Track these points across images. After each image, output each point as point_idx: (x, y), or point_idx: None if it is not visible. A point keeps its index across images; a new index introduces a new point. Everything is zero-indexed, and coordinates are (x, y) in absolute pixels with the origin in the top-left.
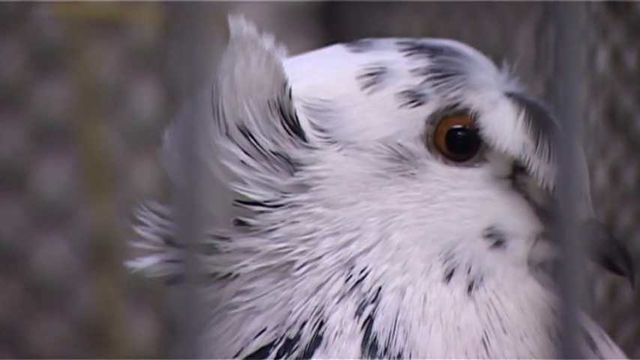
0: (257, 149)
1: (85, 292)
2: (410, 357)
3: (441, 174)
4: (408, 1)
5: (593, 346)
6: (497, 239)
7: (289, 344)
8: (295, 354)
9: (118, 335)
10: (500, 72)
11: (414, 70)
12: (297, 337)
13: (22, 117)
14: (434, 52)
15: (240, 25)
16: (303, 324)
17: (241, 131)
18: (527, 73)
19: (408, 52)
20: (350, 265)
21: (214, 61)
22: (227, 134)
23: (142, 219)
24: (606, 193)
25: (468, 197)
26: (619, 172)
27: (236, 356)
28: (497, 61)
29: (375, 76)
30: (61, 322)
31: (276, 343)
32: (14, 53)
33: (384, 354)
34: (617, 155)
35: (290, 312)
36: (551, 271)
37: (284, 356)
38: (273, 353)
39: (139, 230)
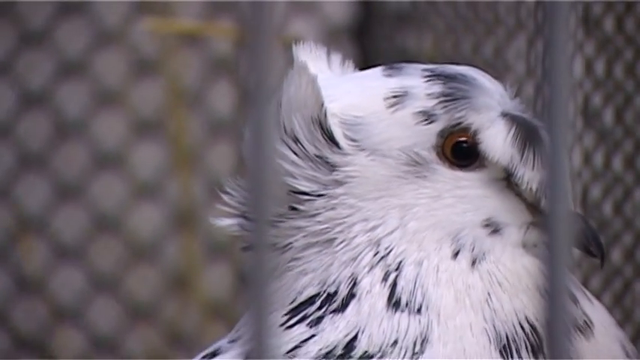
0: (304, 153)
1: (172, 249)
2: (429, 308)
3: (448, 176)
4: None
5: (575, 301)
6: (494, 228)
7: (330, 297)
8: (335, 305)
9: (198, 283)
10: (505, 93)
11: (429, 94)
12: (335, 292)
13: (123, 112)
14: (448, 79)
15: (298, 54)
16: (340, 284)
17: (292, 138)
18: (519, 81)
19: (427, 79)
20: (377, 244)
21: (275, 70)
22: (283, 140)
23: (227, 190)
24: (581, 172)
25: (469, 195)
26: (590, 156)
27: (292, 302)
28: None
29: (398, 98)
30: (154, 272)
31: (320, 294)
32: (117, 61)
33: (406, 307)
34: (589, 143)
35: (330, 275)
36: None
37: (326, 305)
38: (318, 302)
39: (224, 197)
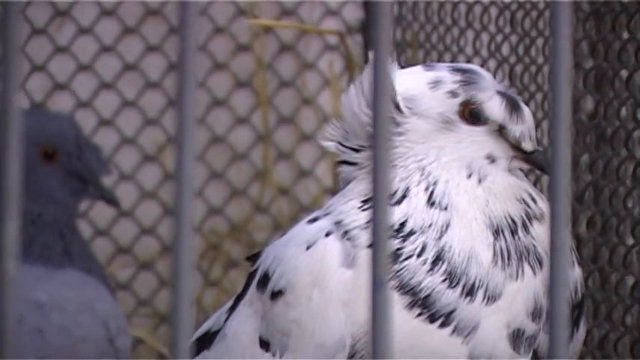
0: None
1: None
2: (452, 207)
3: (465, 130)
4: None
5: (534, 200)
6: (492, 159)
7: (391, 195)
8: (394, 200)
9: None
10: (496, 79)
11: (453, 81)
12: (395, 192)
13: None
14: (464, 71)
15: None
16: (398, 189)
17: (367, 105)
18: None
19: (451, 72)
20: (422, 169)
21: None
22: (367, 106)
23: (330, 127)
24: None
25: (478, 140)
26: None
27: (366, 195)
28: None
29: (435, 83)
30: None
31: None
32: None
33: (438, 205)
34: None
35: (393, 183)
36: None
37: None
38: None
39: (329, 130)
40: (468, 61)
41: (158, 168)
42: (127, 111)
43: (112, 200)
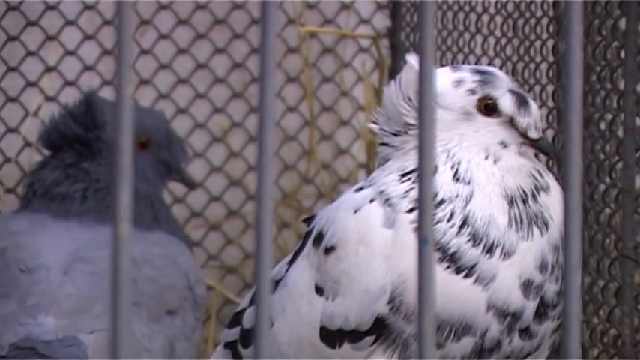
0: (412, 106)
1: None
2: (473, 182)
3: (482, 120)
4: None
5: (541, 175)
6: (504, 145)
7: None
8: None
9: None
10: (510, 79)
11: (473, 80)
12: None
13: None
14: (482, 72)
15: (410, 57)
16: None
17: (407, 98)
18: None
19: (472, 72)
20: (448, 151)
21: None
22: (402, 98)
23: (377, 113)
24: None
25: (492, 130)
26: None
27: (404, 170)
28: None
29: (458, 81)
30: None
31: (416, 170)
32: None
33: (462, 180)
34: None
35: None
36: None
37: None
38: (416, 173)
39: (375, 116)
40: (477, 60)
41: (224, 148)
42: (199, 101)
43: (189, 183)
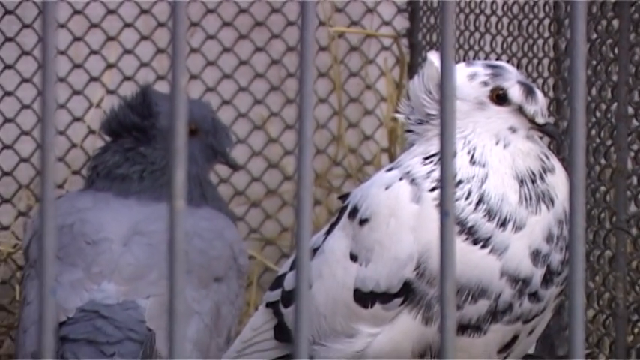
0: (432, 97)
1: None
2: (488, 165)
3: (494, 109)
4: None
5: (548, 158)
6: (513, 130)
7: None
8: None
9: None
10: (518, 72)
11: (485, 74)
12: None
13: None
14: (493, 66)
15: (431, 55)
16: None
17: (428, 90)
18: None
19: (484, 67)
20: (464, 138)
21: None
22: (424, 92)
23: (402, 105)
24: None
25: (503, 117)
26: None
27: (427, 154)
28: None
29: (472, 75)
30: None
31: (438, 154)
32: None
33: (477, 163)
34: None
35: None
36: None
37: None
38: (438, 157)
39: (400, 107)
40: (486, 57)
41: (263, 135)
42: (241, 94)
43: (233, 165)
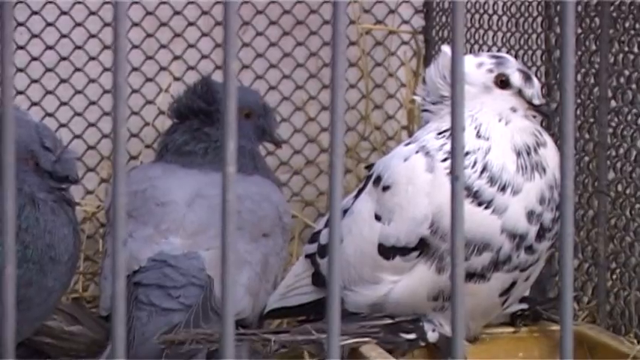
0: (446, 81)
1: None
2: (491, 138)
3: (498, 92)
4: None
5: (540, 141)
6: (513, 110)
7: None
8: None
9: None
10: (517, 61)
11: (491, 62)
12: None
13: None
14: (497, 57)
15: (444, 47)
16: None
17: (442, 76)
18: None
19: (489, 57)
20: (472, 116)
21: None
22: (439, 77)
23: (419, 89)
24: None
25: (505, 99)
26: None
27: (440, 130)
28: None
29: (479, 64)
30: None
31: (449, 129)
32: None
33: (482, 137)
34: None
35: None
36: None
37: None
38: (449, 132)
39: (418, 90)
40: (489, 49)
41: (303, 115)
42: (285, 81)
43: (278, 141)
